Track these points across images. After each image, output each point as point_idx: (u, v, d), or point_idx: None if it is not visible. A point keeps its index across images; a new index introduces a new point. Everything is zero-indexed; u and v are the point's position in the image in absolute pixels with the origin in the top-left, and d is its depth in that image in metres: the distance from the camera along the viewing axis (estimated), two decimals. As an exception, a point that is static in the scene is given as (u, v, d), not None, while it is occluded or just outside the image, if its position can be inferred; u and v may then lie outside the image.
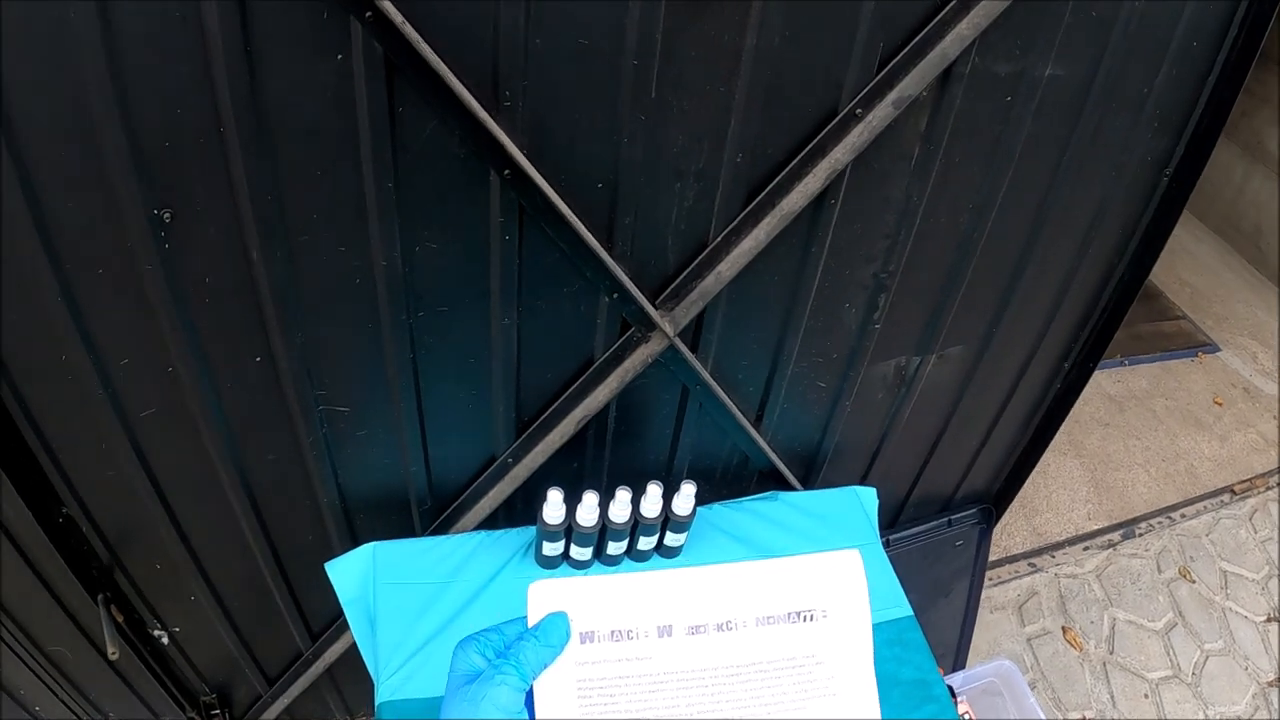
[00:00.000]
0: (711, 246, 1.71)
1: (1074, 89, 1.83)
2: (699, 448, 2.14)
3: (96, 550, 1.88)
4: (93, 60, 1.17)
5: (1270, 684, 3.84)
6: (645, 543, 1.91)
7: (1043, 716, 2.53)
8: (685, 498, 1.85)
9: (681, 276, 1.74)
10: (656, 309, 1.76)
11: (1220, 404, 5.08)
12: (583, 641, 0.89)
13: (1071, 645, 3.63)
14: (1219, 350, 5.44)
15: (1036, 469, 3.86)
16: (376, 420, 1.82)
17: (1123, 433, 4.74)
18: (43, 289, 1.38)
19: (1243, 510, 4.58)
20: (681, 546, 1.95)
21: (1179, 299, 5.75)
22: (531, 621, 0.89)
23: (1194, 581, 4.12)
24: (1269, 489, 4.75)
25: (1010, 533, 3.99)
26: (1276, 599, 4.21)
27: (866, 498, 2.20)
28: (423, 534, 2.03)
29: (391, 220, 1.48)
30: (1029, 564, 3.92)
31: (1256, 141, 6.13)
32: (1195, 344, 5.40)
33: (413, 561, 1.87)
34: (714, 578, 0.93)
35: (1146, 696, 3.58)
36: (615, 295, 1.71)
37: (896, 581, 2.04)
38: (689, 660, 0.90)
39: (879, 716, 0.94)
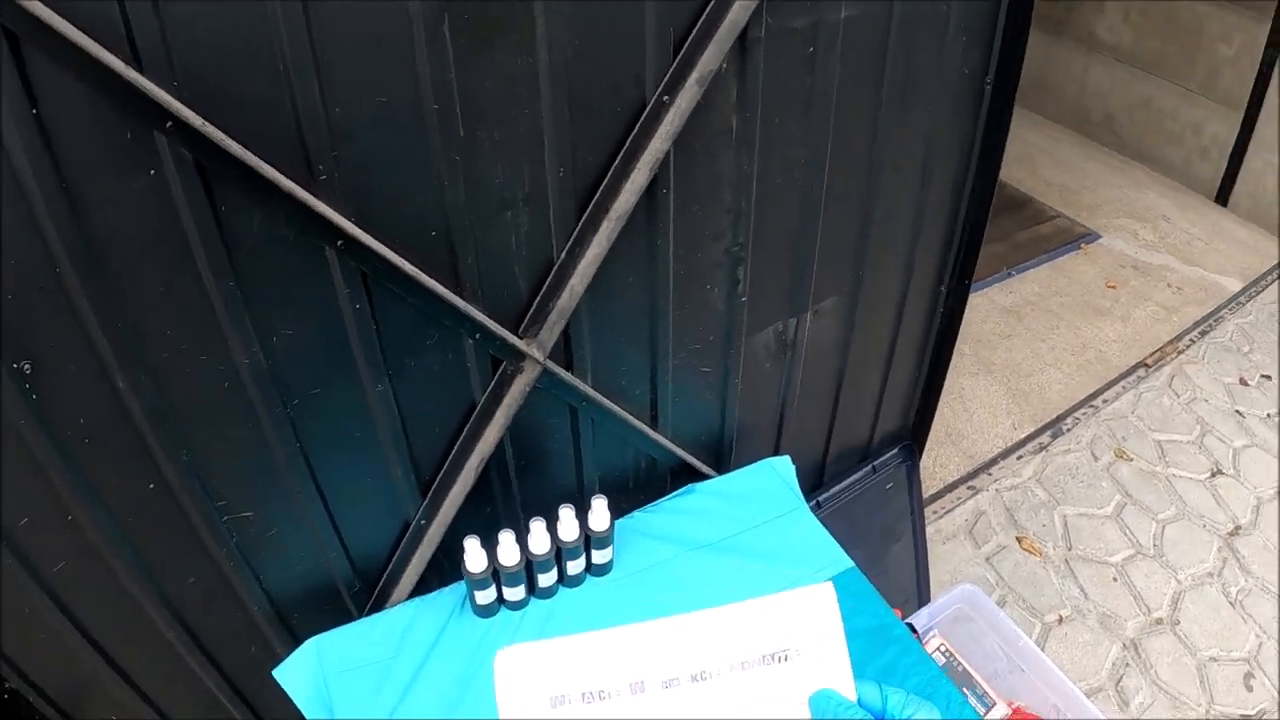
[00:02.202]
0: (558, 265, 1.72)
1: (873, 24, 1.86)
2: (605, 462, 2.14)
3: (49, 718, 1.84)
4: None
5: (1231, 534, 3.94)
6: (574, 566, 1.92)
7: (1016, 628, 2.56)
8: (599, 513, 1.86)
9: (537, 300, 1.75)
10: (521, 338, 1.76)
11: (1114, 287, 5.20)
12: (554, 705, 0.87)
13: (1030, 553, 3.69)
14: (1100, 237, 5.58)
15: (952, 395, 3.93)
16: (283, 517, 1.79)
17: (1027, 339, 4.83)
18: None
19: (1160, 380, 4.70)
20: (611, 561, 1.96)
21: (1050, 200, 5.89)
22: (500, 687, 0.88)
23: (1132, 459, 4.21)
24: (1179, 353, 4.89)
25: (943, 463, 4.04)
26: (1214, 454, 4.33)
27: (782, 467, 2.22)
28: (360, 616, 2.02)
29: (242, 318, 1.47)
30: (968, 488, 3.97)
31: (1089, 33, 6.30)
32: (1076, 237, 5.53)
33: (357, 645, 1.86)
34: (684, 627, 0.91)
35: (1115, 580, 3.66)
36: (477, 336, 1.71)
37: (831, 539, 2.07)
38: (664, 715, 0.88)
39: None
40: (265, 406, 1.60)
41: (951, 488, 3.96)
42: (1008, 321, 4.94)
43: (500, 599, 1.89)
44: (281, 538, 1.83)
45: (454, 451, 1.89)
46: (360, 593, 2.02)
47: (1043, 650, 3.29)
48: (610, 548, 1.93)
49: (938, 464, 4.02)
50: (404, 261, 1.54)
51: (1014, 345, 4.77)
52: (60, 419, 1.42)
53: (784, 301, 2.17)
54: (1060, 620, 3.48)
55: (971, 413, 4.35)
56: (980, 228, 2.45)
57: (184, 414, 1.53)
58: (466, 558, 1.79)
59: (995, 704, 2.40)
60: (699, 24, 1.61)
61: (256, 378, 1.56)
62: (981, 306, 5.03)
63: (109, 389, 1.43)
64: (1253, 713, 3.28)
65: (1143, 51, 6.06)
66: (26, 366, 1.34)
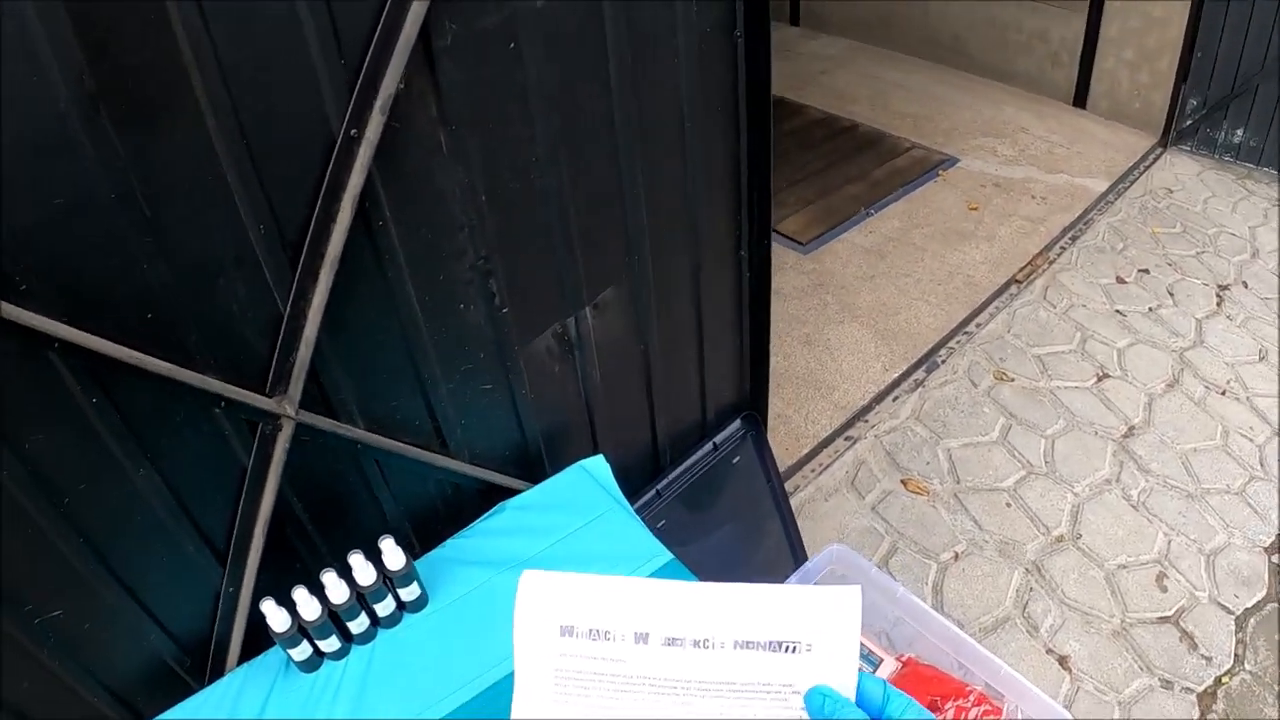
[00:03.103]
0: (286, 319, 1.75)
1: (580, 4, 1.90)
2: (406, 496, 2.18)
3: None
4: None
5: (1125, 435, 4.05)
6: (383, 609, 1.97)
7: (891, 580, 2.63)
8: (390, 552, 1.91)
9: (275, 358, 1.79)
10: (270, 397, 1.80)
11: (976, 209, 5.31)
12: (562, 635, 0.93)
13: (917, 493, 3.76)
14: (958, 161, 5.69)
15: (819, 348, 4.00)
16: (91, 610, 1.82)
17: (890, 278, 4.91)
18: None
19: (1034, 294, 4.81)
20: (423, 595, 2.02)
21: (904, 132, 6.00)
22: (519, 604, 0.94)
23: (1013, 380, 4.30)
24: (1050, 263, 5.00)
25: (815, 419, 4.09)
26: (1097, 358, 4.44)
27: (595, 467, 2.27)
28: (201, 688, 2.06)
29: None
30: (845, 439, 4.03)
31: (921, -42, 6.46)
32: (933, 165, 5.64)
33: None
34: (700, 595, 0.95)
35: (1009, 505, 3.74)
36: (222, 405, 1.75)
37: (648, 534, 2.13)
38: (662, 669, 0.93)
39: None
40: (40, 511, 1.64)
41: (828, 442, 4.00)
42: (870, 262, 5.01)
43: (318, 652, 1.94)
44: (97, 630, 1.86)
45: (239, 519, 1.93)
46: (194, 667, 2.06)
47: (941, 589, 3.40)
48: (415, 583, 1.98)
49: (809, 421, 4.07)
50: (123, 350, 1.57)
51: (878, 285, 4.85)
52: None
53: (554, 303, 2.21)
54: (956, 557, 3.54)
55: (840, 362, 4.40)
56: (766, 184, 2.51)
57: None
58: (267, 620, 1.84)
59: (882, 660, 2.46)
60: (370, 49, 1.64)
61: (22, 486, 1.60)
62: (841, 252, 5.10)
63: None
64: (1171, 613, 3.36)
65: (978, -32, 6.19)
66: None
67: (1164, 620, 3.34)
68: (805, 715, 0.91)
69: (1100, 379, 4.35)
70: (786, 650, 0.92)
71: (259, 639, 2.01)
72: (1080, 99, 6.14)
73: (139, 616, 1.91)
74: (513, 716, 0.94)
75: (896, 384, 4.29)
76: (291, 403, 1.82)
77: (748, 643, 0.92)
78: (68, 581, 1.76)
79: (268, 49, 1.54)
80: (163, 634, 1.97)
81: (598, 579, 0.95)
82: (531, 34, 1.86)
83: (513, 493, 2.30)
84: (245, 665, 1.98)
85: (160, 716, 1.90)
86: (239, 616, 2.02)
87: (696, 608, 0.94)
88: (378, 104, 1.67)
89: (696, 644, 0.93)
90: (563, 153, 2.03)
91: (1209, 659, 3.22)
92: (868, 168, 5.65)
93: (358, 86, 1.66)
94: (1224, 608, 3.38)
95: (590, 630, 0.93)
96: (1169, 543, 3.60)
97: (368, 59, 1.65)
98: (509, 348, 2.15)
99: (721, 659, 0.92)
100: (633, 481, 2.73)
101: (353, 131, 1.67)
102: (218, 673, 2.06)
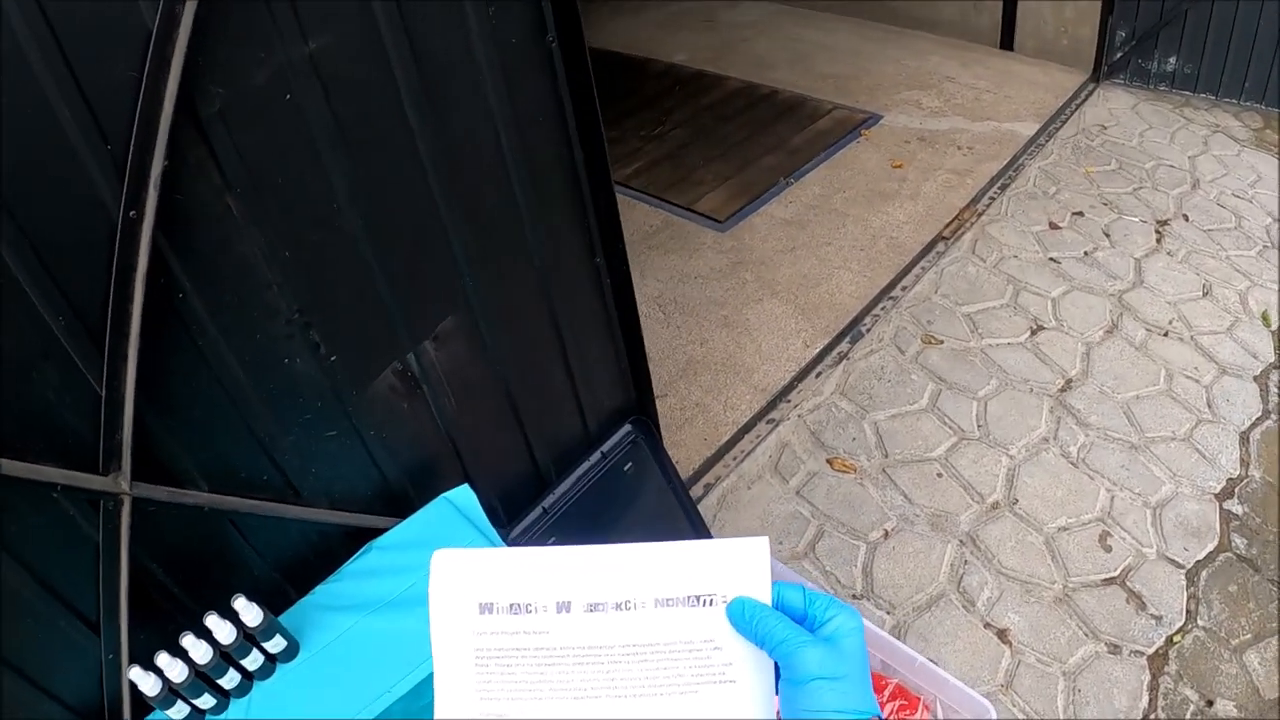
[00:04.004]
0: (105, 400, 1.88)
1: (355, 40, 1.98)
2: (270, 549, 2.32)
3: None
4: None
5: (1063, 389, 4.11)
6: (251, 662, 2.12)
7: (794, 578, 2.74)
8: (245, 609, 2.05)
9: (102, 437, 1.92)
10: (105, 474, 1.94)
11: (900, 166, 5.40)
12: (481, 612, 0.95)
13: (844, 472, 3.84)
14: (881, 118, 5.79)
15: (736, 329, 4.07)
16: None
17: (810, 248, 4.98)
18: None
19: (961, 250, 4.86)
20: (291, 645, 2.16)
21: (825, 94, 6.08)
22: (433, 588, 0.96)
23: (941, 342, 4.37)
24: (979, 215, 5.07)
25: (733, 405, 4.15)
26: (1030, 310, 4.51)
27: (460, 498, 2.40)
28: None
29: None
30: (767, 422, 4.09)
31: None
32: (854, 125, 5.73)
33: None
34: (616, 557, 0.97)
35: (940, 475, 3.79)
36: (58, 489, 1.89)
37: (518, 554, 2.27)
38: (586, 637, 0.95)
39: (775, 704, 0.97)
40: None
41: (749, 427, 4.06)
42: (789, 234, 5.09)
43: (196, 710, 2.09)
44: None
45: (101, 592, 2.07)
46: None
47: (871, 570, 3.45)
48: (279, 635, 2.13)
49: (729, 407, 4.14)
50: None
51: (798, 258, 4.92)
52: None
53: (386, 343, 2.33)
54: (886, 535, 3.59)
55: (759, 343, 4.46)
56: (606, 186, 2.61)
57: None
58: (138, 685, 1.99)
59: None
60: (134, 132, 1.75)
61: None
62: (760, 226, 5.18)
63: None
64: (1116, 573, 3.40)
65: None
66: None
67: (1109, 582, 3.37)
68: (730, 673, 0.96)
69: (1034, 332, 4.40)
70: (704, 604, 0.96)
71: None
72: (1007, 41, 6.23)
73: (34, 694, 2.07)
74: (436, 704, 0.96)
75: (819, 359, 4.35)
76: (125, 479, 1.95)
77: (667, 600, 0.96)
78: None
79: (29, 143, 1.66)
80: (60, 708, 2.13)
81: (511, 551, 0.99)
82: (306, 82, 1.95)
83: (381, 531, 2.43)
84: None
85: None
86: (124, 681, 2.14)
87: (614, 570, 0.97)
88: (150, 182, 1.78)
89: (618, 606, 0.96)
90: (365, 196, 2.13)
91: (1159, 618, 3.26)
92: (787, 135, 5.75)
93: (128, 168, 1.77)
94: (1173, 562, 3.42)
95: (511, 604, 0.95)
96: (1111, 499, 3.64)
97: (133, 140, 1.75)
98: (345, 393, 2.28)
99: (643, 620, 0.96)
100: (517, 502, 2.86)
101: (131, 213, 1.78)
102: None
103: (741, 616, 0.94)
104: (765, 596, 0.96)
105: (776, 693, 0.96)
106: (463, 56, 2.19)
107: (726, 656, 0.97)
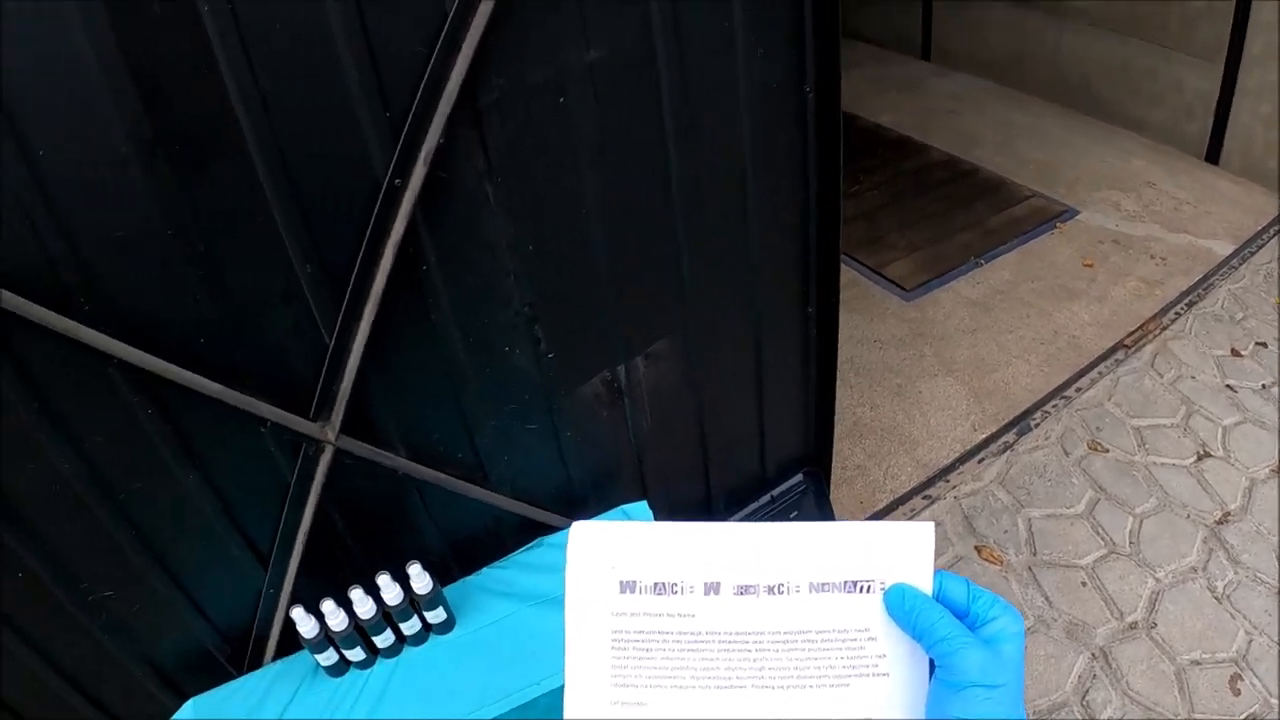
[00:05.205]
0: (331, 351, 1.86)
1: (633, 57, 1.95)
2: (445, 523, 2.28)
3: None
4: None
5: (1219, 521, 3.90)
6: (409, 627, 2.08)
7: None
8: (418, 577, 2.01)
9: (320, 386, 1.89)
10: (314, 421, 1.91)
11: (1091, 265, 5.19)
12: (622, 591, 0.87)
13: (990, 562, 3.68)
14: (1078, 213, 5.58)
15: (908, 401, 3.97)
16: (141, 595, 2.01)
17: (992, 333, 4.82)
18: None
19: (1141, 361, 4.66)
20: (450, 619, 2.11)
21: (1025, 179, 5.89)
22: (570, 561, 0.87)
23: (1106, 451, 4.16)
24: (1163, 329, 4.86)
25: (894, 474, 4.05)
26: (1200, 435, 4.29)
27: (637, 513, 2.33)
28: (239, 675, 2.20)
29: (52, 434, 1.70)
30: (923, 497, 3.96)
31: (1057, 1, 6.34)
32: (1051, 216, 5.53)
33: (226, 704, 2.09)
34: (770, 536, 0.89)
35: (1084, 584, 3.60)
36: (266, 425, 1.87)
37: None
38: (734, 622, 0.87)
39: (924, 702, 0.88)
40: (98, 503, 1.83)
41: (904, 499, 3.95)
42: (974, 315, 4.94)
43: (344, 660, 2.05)
44: (145, 613, 2.04)
45: (281, 528, 2.06)
46: (233, 655, 2.23)
47: None
48: (441, 607, 2.08)
49: (889, 475, 4.03)
50: (176, 370, 1.72)
51: (979, 340, 4.77)
52: None
53: (601, 352, 2.28)
54: None
55: (929, 417, 4.35)
56: (834, 242, 2.52)
57: (30, 514, 1.78)
58: (297, 625, 1.97)
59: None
60: (415, 103, 1.72)
61: (81, 480, 1.78)
62: (945, 302, 5.04)
63: None
64: (1240, 718, 3.17)
65: (1114, 11, 6.04)
66: None
67: (1231, 725, 3.15)
68: (883, 666, 0.87)
69: (1200, 458, 4.16)
70: (861, 590, 0.87)
71: (293, 640, 2.13)
72: (1213, 154, 5.96)
73: (184, 606, 2.09)
74: (566, 689, 0.88)
75: (984, 445, 4.20)
76: (333, 429, 1.93)
77: (823, 585, 0.87)
78: (119, 568, 1.94)
79: (313, 98, 1.65)
80: (205, 623, 2.15)
81: (657, 526, 0.90)
82: (581, 88, 1.92)
83: (554, 529, 2.36)
84: (280, 661, 2.16)
85: (202, 695, 2.10)
86: (278, 616, 2.18)
87: (767, 551, 0.88)
88: (421, 156, 1.76)
89: (770, 590, 0.87)
90: (611, 206, 2.10)
91: (1272, 770, 3.05)
92: (983, 215, 5.58)
93: (402, 138, 1.75)
94: (1299, 720, 3.20)
95: (655, 584, 0.87)
96: (1250, 642, 3.40)
97: (412, 112, 1.73)
98: (554, 390, 2.23)
99: (796, 605, 0.87)
100: (684, 527, 2.77)
101: (396, 180, 1.77)
102: (256, 663, 2.23)
103: (900, 606, 0.84)
104: (926, 586, 0.86)
105: None
106: (725, 90, 2.14)
107: (880, 648, 0.87)
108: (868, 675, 0.87)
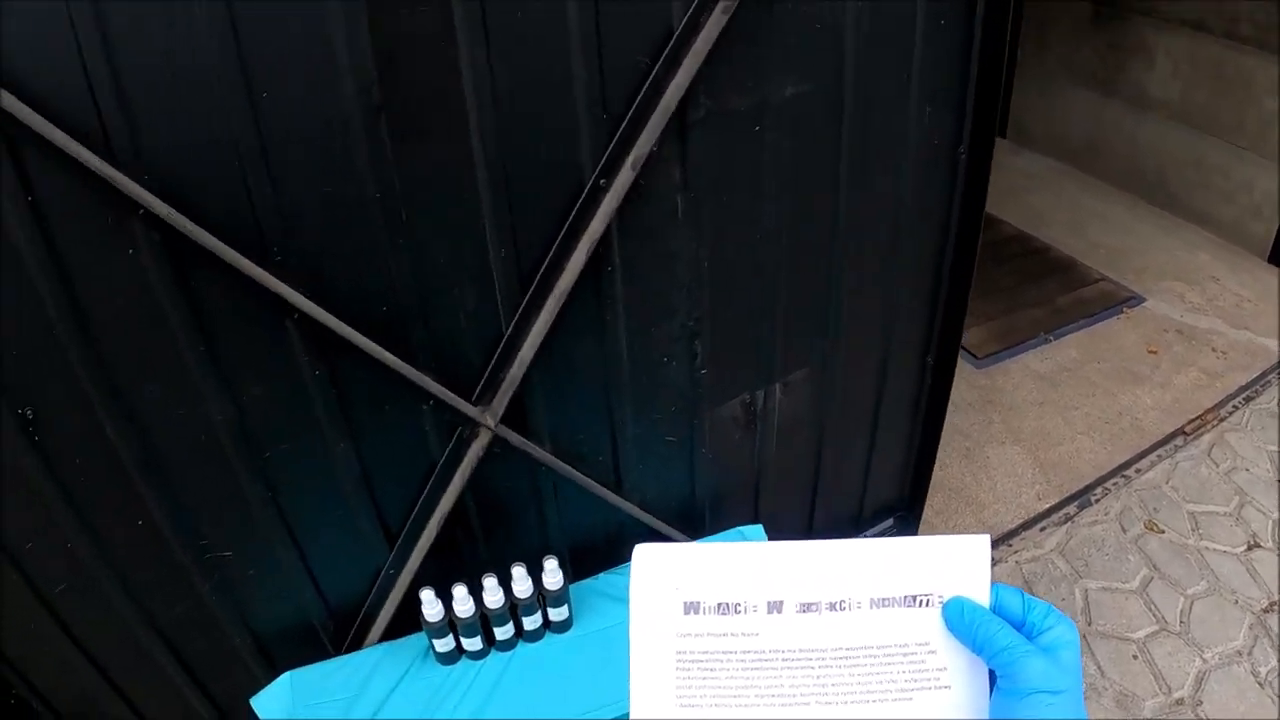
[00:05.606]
0: (506, 337, 1.88)
1: (824, 99, 2.00)
2: (570, 523, 2.29)
3: None
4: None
5: (1266, 610, 3.90)
6: (530, 622, 2.07)
7: None
8: (552, 573, 2.01)
9: (488, 371, 1.91)
10: (474, 405, 1.92)
11: (1155, 352, 5.21)
12: (686, 612, 0.86)
13: (1046, 627, 3.68)
14: (1144, 301, 5.59)
15: (976, 464, 3.97)
16: (259, 558, 2.00)
17: (1059, 407, 4.83)
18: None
19: (1199, 449, 4.67)
20: (569, 619, 2.10)
21: (1095, 262, 5.91)
22: (634, 584, 0.87)
23: (1163, 532, 4.18)
24: (1221, 420, 4.86)
25: (960, 531, 3.98)
26: (1252, 525, 4.30)
27: (753, 535, 2.34)
28: (335, 654, 2.19)
29: (214, 380, 1.70)
30: None
31: (1138, 92, 6.35)
32: (1119, 301, 5.54)
33: (326, 681, 2.07)
34: (829, 553, 0.87)
35: (1136, 657, 3.60)
36: (430, 403, 1.88)
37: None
38: (798, 639, 0.87)
39: (986, 712, 0.88)
40: (239, 458, 1.83)
41: None
42: (1041, 388, 4.96)
43: (459, 648, 2.04)
44: (259, 577, 2.03)
45: (417, 508, 2.07)
46: (336, 632, 2.21)
47: None
48: (566, 606, 2.08)
49: (954, 532, 3.99)
50: (355, 334, 1.72)
51: (1045, 413, 4.79)
52: (58, 460, 1.67)
53: (748, 374, 2.30)
54: None
55: (995, 481, 4.36)
56: (963, 301, 2.55)
57: (167, 461, 1.77)
58: (423, 607, 1.96)
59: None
60: (632, 110, 1.76)
61: (230, 432, 1.78)
62: (1016, 373, 5.06)
63: (100, 436, 1.67)
64: None
65: (1192, 108, 6.08)
66: (28, 412, 1.58)
67: (1264, 807, 3.13)
68: (945, 679, 0.87)
69: (1251, 548, 4.16)
70: (920, 604, 0.87)
71: (400, 623, 2.16)
72: (1276, 256, 5.97)
73: (300, 576, 2.08)
74: (632, 711, 0.87)
75: (1047, 514, 4.20)
76: (494, 415, 1.94)
77: (883, 600, 0.87)
78: (246, 529, 1.94)
79: (539, 90, 1.68)
80: (317, 596, 2.14)
81: (719, 547, 0.89)
82: (776, 120, 1.96)
83: (670, 542, 2.36)
84: (388, 643, 2.14)
85: (300, 669, 2.08)
86: (393, 597, 2.16)
87: (828, 568, 0.88)
88: (629, 160, 1.79)
89: (832, 606, 0.87)
90: (785, 234, 2.13)
91: None
92: (1053, 293, 5.59)
93: (614, 141, 1.78)
94: (1327, 814, 3.17)
95: (719, 604, 0.86)
96: None
97: (628, 118, 1.77)
98: (699, 407, 2.25)
99: (857, 620, 0.87)
100: (778, 554, 2.78)
101: (601, 181, 1.80)
102: (356, 644, 2.22)
103: (960, 618, 0.85)
104: (984, 598, 0.86)
105: None
106: (896, 141, 2.20)
107: (941, 660, 0.87)
108: (930, 688, 0.87)
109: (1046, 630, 0.83)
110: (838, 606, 0.87)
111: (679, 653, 0.85)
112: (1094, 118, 6.72)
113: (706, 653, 0.86)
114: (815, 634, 0.87)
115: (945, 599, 0.87)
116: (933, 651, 0.87)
